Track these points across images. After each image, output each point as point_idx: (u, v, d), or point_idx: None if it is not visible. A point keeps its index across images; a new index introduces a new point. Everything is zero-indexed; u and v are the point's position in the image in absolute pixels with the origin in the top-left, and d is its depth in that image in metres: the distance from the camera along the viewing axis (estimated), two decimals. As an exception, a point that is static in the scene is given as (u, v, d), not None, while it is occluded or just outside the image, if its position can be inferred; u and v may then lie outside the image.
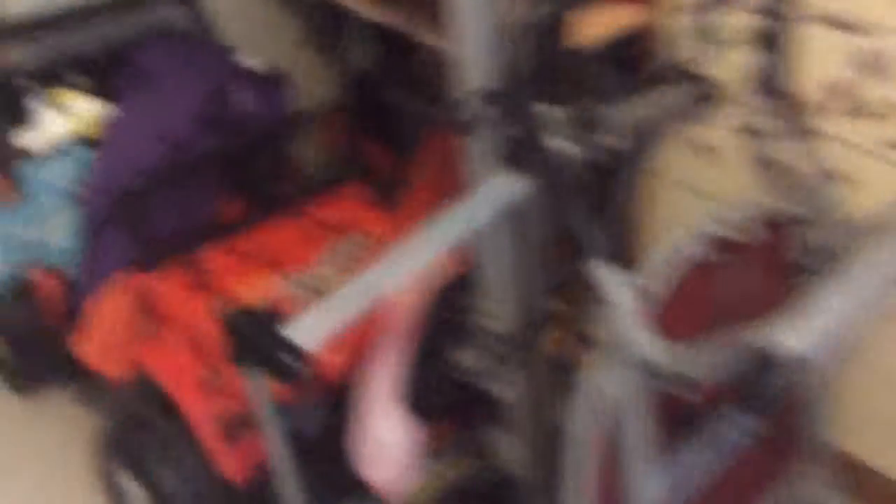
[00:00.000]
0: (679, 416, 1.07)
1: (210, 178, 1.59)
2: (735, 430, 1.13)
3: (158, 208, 1.46)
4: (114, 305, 1.49)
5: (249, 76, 1.77)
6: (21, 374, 1.74)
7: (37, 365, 1.70)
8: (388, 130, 2.14)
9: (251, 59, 1.81)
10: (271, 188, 1.66)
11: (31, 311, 1.58)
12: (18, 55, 1.74)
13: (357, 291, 0.99)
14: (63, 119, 1.58)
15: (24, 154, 1.56)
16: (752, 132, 1.14)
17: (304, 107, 2.01)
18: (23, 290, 1.57)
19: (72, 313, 1.54)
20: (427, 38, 1.69)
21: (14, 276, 1.56)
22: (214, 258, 1.50)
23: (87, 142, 1.55)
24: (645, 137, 1.09)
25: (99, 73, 1.73)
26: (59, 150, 1.52)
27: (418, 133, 1.91)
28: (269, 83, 1.80)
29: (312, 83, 2.25)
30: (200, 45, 1.77)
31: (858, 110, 1.34)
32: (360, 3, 1.82)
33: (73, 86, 1.68)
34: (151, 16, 1.84)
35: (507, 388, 1.34)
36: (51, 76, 1.68)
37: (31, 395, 1.81)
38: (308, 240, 1.55)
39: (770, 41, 1.08)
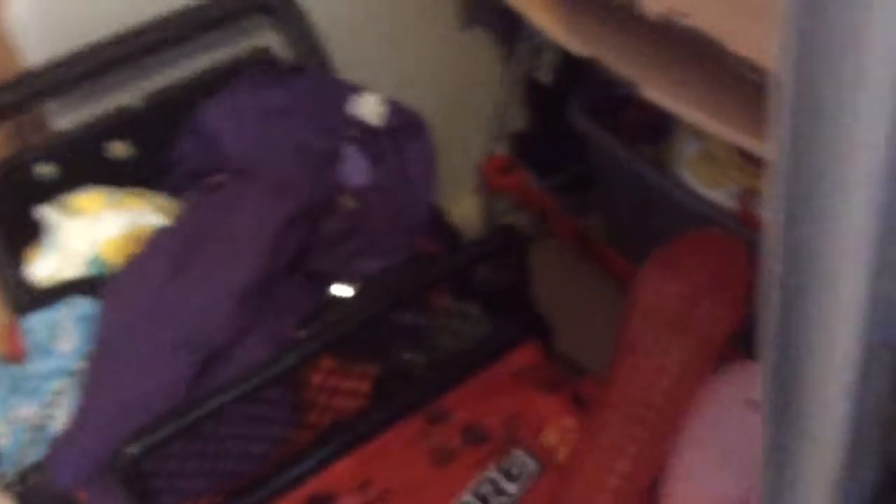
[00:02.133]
0: None
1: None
2: None
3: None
4: None
5: (365, 140, 1.19)
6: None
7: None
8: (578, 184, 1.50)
9: (369, 99, 1.21)
10: (402, 355, 1.03)
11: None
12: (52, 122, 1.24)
13: None
14: (86, 233, 1.06)
15: (34, 292, 1.06)
16: None
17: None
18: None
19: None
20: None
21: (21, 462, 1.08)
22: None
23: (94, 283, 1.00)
24: None
25: (150, 139, 1.20)
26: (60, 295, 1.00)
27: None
28: (398, 144, 1.21)
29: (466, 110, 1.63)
30: (296, 92, 1.18)
31: None
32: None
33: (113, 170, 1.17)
34: (233, 44, 1.28)
35: None
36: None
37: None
38: (447, 471, 0.95)
39: None
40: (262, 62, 1.19)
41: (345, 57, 1.35)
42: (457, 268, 0.98)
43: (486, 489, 0.97)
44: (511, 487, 0.98)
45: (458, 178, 1.65)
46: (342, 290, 1.02)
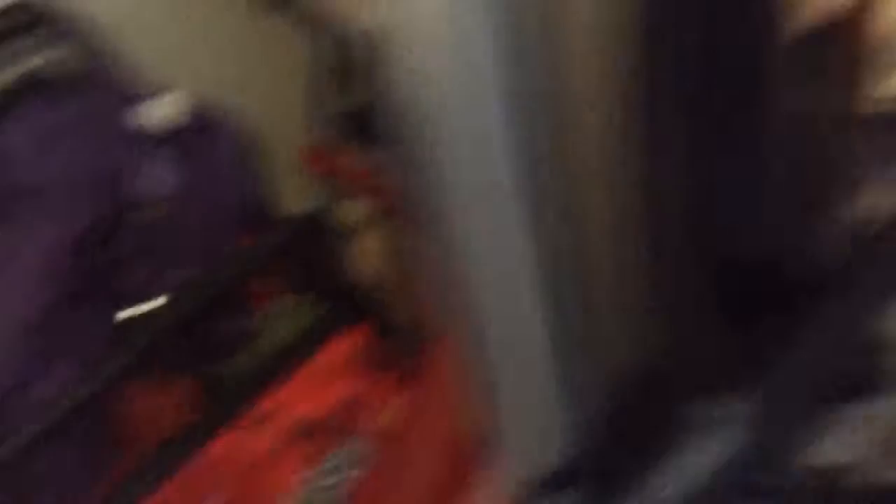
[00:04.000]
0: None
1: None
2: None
3: None
4: None
5: (164, 146, 1.14)
6: None
7: None
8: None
9: (164, 103, 1.16)
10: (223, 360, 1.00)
11: None
12: None
13: None
14: None
15: None
16: None
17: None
18: None
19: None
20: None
21: None
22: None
23: None
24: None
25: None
26: None
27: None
28: (201, 144, 1.17)
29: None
30: (76, 109, 1.12)
31: None
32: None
33: None
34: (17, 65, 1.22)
35: None
36: None
37: None
38: (278, 472, 0.94)
39: None
40: (32, 86, 1.13)
41: (141, 61, 1.30)
42: (251, 265, 0.95)
43: (320, 482, 0.95)
44: (349, 474, 0.97)
45: (291, 170, 1.61)
46: (146, 308, 0.99)
